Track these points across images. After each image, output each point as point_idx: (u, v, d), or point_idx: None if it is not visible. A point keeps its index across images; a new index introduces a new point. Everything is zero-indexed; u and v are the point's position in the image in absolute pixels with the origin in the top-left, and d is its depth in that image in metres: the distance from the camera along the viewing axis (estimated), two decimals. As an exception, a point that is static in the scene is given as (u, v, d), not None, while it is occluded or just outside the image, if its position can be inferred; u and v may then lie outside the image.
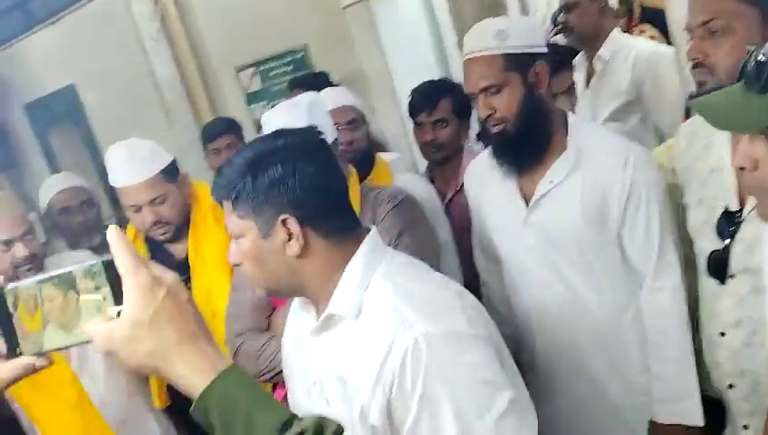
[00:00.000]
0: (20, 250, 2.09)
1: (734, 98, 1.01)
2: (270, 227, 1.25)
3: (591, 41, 3.29)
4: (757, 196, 1.07)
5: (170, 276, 0.85)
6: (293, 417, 0.81)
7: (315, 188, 1.26)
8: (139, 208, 2.18)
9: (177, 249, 2.29)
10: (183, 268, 2.23)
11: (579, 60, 3.60)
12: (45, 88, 5.30)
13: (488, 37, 1.79)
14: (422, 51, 4.35)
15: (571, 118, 1.90)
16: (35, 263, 2.13)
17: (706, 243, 1.63)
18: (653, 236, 1.79)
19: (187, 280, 2.23)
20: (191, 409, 0.82)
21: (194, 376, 0.81)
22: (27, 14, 5.14)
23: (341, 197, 1.34)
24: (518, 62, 1.78)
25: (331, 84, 3.54)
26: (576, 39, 3.35)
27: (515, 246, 1.94)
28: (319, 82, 3.29)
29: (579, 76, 3.54)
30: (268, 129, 1.75)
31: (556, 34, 5.15)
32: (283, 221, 1.24)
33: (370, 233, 1.34)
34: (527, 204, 1.88)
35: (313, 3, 3.90)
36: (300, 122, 1.68)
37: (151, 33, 4.51)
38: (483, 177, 2.01)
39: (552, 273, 1.88)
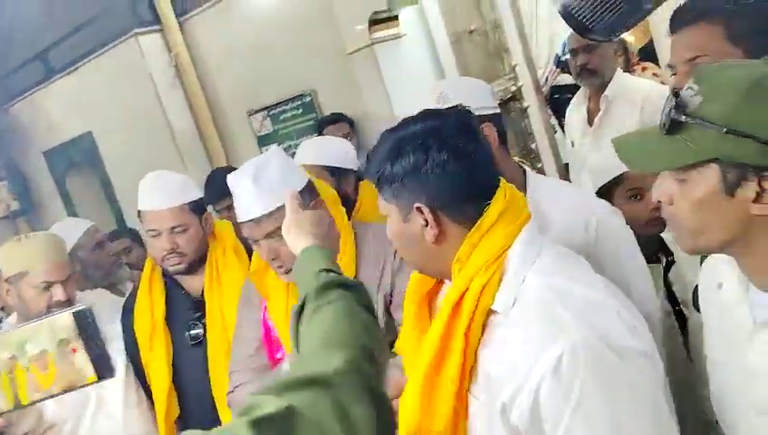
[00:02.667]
0: (59, 294, 2.14)
1: (648, 139, 1.05)
2: (408, 212, 1.26)
3: (606, 82, 3.35)
4: (673, 229, 1.08)
5: None
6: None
7: (447, 177, 1.24)
8: (158, 234, 2.22)
9: (192, 286, 2.34)
10: (198, 306, 2.29)
11: (576, 100, 3.68)
12: (64, 135, 5.47)
13: (431, 101, 1.74)
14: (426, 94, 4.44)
15: (530, 176, 1.80)
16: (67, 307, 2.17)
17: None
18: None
19: (200, 317, 2.29)
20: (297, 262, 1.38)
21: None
22: (46, 65, 5.31)
23: (479, 184, 1.28)
24: None
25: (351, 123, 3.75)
26: (596, 81, 3.38)
27: None
28: (345, 118, 3.55)
29: (578, 115, 3.62)
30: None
31: (563, 72, 5.27)
32: (418, 208, 1.24)
33: (528, 223, 1.28)
34: None
35: (320, 48, 4.02)
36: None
37: (167, 81, 4.66)
38: None
39: None
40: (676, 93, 1.02)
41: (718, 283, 1.18)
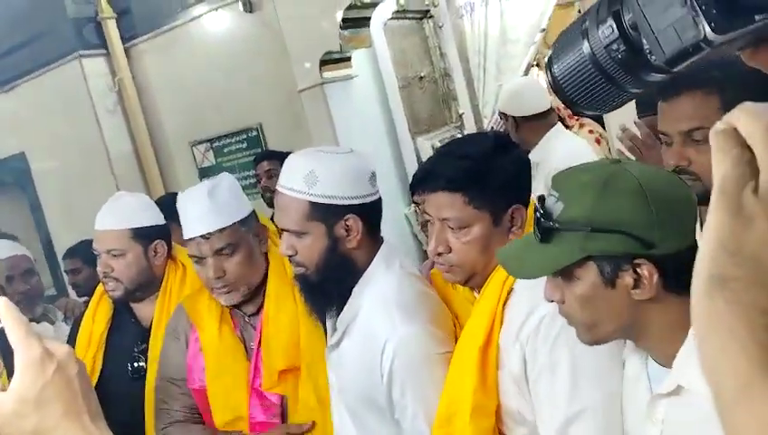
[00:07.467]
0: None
1: (527, 248, 1.13)
2: (501, 216, 1.38)
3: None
4: (572, 325, 1.16)
5: (62, 350, 0.83)
6: None
7: (525, 175, 1.44)
8: (98, 254, 2.17)
9: (144, 314, 2.21)
10: (147, 336, 2.16)
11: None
12: (-6, 154, 5.26)
13: (297, 176, 1.60)
14: (374, 134, 4.47)
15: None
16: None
17: None
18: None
19: (147, 350, 2.16)
20: None
21: None
22: (-19, 82, 5.13)
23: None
24: (325, 213, 1.57)
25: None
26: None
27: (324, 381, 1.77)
28: (283, 155, 3.40)
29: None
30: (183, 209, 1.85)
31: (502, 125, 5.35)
32: (513, 212, 1.38)
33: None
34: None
35: (270, 83, 4.00)
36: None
37: (107, 106, 4.54)
38: None
39: (342, 418, 1.68)
40: (541, 201, 1.11)
41: (622, 359, 1.26)
